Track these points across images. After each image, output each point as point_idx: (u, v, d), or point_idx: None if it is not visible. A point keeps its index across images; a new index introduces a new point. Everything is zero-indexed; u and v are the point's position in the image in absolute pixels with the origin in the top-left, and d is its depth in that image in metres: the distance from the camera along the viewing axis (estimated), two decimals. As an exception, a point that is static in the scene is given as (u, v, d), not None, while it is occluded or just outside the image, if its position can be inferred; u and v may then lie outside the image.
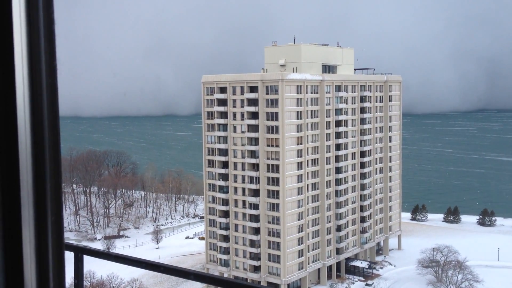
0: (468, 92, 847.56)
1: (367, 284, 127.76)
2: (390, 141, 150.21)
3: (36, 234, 2.48)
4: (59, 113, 2.57)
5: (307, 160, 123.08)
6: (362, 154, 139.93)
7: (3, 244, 2.42)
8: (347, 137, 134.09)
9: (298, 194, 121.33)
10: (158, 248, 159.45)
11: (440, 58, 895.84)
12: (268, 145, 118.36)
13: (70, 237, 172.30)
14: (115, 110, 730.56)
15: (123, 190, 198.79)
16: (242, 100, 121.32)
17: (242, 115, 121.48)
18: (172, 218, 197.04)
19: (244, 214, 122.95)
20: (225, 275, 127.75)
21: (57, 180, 2.56)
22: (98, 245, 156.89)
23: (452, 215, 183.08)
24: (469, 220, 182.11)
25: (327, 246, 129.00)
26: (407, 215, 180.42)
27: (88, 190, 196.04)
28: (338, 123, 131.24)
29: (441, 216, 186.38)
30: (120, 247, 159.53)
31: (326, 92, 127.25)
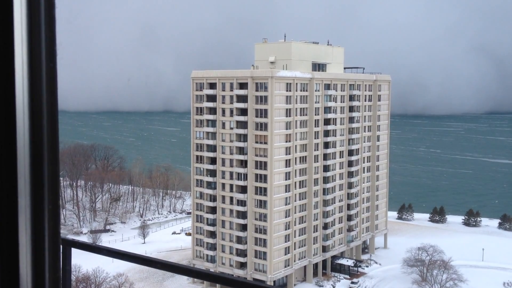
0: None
1: (352, 282, 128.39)
2: (378, 140, 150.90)
3: (32, 222, 2.46)
4: (57, 100, 2.53)
5: (295, 158, 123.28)
6: (350, 152, 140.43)
7: None
8: (335, 136, 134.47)
9: (286, 192, 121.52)
10: (144, 243, 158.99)
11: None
12: (256, 142, 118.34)
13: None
14: (108, 105, 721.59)
15: (110, 184, 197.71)
16: (231, 97, 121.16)
17: (231, 111, 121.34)
18: (159, 213, 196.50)
19: (231, 211, 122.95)
20: (211, 271, 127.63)
21: (55, 168, 2.55)
22: (84, 239, 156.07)
23: (438, 215, 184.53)
24: (455, 220, 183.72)
25: (314, 243, 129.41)
26: (393, 214, 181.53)
27: (74, 183, 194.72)
28: (326, 121, 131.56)
29: (427, 215, 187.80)
30: (106, 242, 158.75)
31: (316, 90, 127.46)
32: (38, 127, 2.43)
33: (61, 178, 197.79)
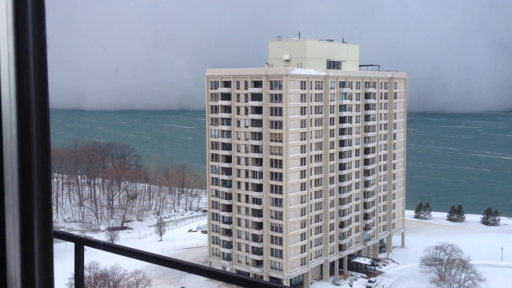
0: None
1: (369, 281, 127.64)
2: (395, 139, 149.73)
3: (21, 222, 2.33)
4: (48, 93, 2.39)
5: (311, 156, 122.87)
6: (366, 151, 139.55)
7: None
8: (351, 134, 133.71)
9: (301, 190, 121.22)
10: (161, 240, 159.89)
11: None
12: (271, 140, 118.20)
13: (74, 227, 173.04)
14: (124, 104, 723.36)
15: (127, 182, 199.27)
16: (246, 95, 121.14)
17: (246, 109, 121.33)
18: (175, 211, 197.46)
19: (247, 209, 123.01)
20: (228, 269, 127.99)
21: (45, 165, 2.39)
22: (102, 236, 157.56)
23: (456, 214, 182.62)
24: (473, 219, 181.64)
25: (330, 242, 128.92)
26: (410, 213, 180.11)
27: (92, 181, 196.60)
28: (342, 120, 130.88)
29: (445, 214, 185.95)
30: (124, 239, 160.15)
31: (331, 88, 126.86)
32: (25, 121, 2.30)
33: (79, 176, 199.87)
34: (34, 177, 2.33)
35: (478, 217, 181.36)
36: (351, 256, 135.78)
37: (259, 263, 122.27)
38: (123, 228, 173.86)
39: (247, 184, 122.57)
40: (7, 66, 2.24)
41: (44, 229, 2.41)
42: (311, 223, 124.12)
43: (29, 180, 2.32)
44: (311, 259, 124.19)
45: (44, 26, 2.34)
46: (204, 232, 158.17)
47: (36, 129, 2.33)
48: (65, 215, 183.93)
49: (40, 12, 2.31)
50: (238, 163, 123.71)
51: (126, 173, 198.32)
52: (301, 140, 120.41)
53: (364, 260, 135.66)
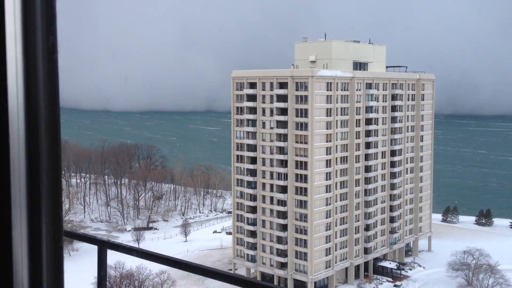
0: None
1: (395, 285, 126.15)
2: (422, 141, 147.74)
3: (29, 238, 2.24)
4: (59, 92, 2.32)
5: (336, 158, 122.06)
6: (393, 153, 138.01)
7: None
8: (377, 136, 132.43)
9: (326, 192, 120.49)
10: (186, 241, 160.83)
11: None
12: (297, 142, 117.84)
13: (100, 227, 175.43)
14: (151, 105, 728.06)
15: (153, 182, 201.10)
16: (271, 96, 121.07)
17: (271, 111, 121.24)
18: (200, 212, 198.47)
19: (271, 210, 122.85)
20: (252, 270, 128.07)
21: (55, 175, 2.31)
22: (128, 236, 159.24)
23: (484, 218, 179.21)
24: (502, 223, 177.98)
25: (355, 245, 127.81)
26: (438, 217, 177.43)
27: (119, 181, 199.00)
28: (368, 121, 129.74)
29: (473, 218, 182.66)
30: (149, 239, 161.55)
31: (357, 90, 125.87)
32: (35, 127, 2.24)
33: (106, 177, 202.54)
34: (42, 189, 2.25)
35: (507, 222, 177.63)
36: (376, 259, 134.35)
37: (283, 265, 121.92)
38: (148, 228, 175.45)
39: (272, 185, 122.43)
40: (14, 70, 2.18)
41: (53, 244, 2.32)
42: (336, 226, 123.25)
43: (37, 177, 2.23)
44: (336, 262, 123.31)
45: (55, 26, 2.26)
46: (229, 233, 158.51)
47: (46, 136, 2.26)
48: (92, 215, 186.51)
49: (50, 11, 2.24)
50: (263, 164, 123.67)
51: (152, 174, 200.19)
52: (327, 141, 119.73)
53: (389, 264, 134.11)
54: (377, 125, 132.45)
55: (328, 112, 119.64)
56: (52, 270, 2.37)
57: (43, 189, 2.26)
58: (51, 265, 2.36)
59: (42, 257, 2.32)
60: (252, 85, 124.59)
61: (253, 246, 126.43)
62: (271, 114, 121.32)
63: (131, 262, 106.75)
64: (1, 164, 2.18)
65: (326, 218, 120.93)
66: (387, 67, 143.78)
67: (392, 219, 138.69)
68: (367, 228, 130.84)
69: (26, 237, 2.25)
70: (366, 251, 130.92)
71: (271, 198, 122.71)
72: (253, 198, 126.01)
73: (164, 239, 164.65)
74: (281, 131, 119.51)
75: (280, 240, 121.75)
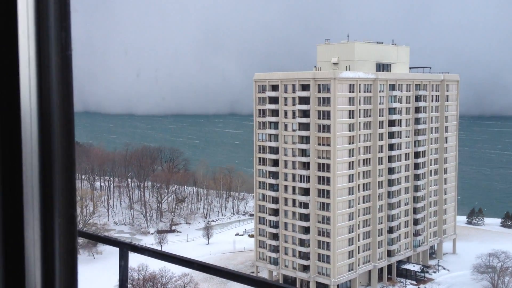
0: None
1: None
2: (446, 142, 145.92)
3: (42, 238, 2.23)
4: (73, 93, 2.29)
5: (359, 160, 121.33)
6: (416, 155, 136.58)
7: (3, 249, 2.19)
8: (400, 137, 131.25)
9: (349, 194, 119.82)
10: (208, 244, 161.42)
11: None
12: (319, 144, 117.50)
13: (124, 230, 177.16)
14: (175, 108, 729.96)
15: (176, 185, 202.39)
16: (293, 98, 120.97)
17: (294, 113, 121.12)
18: (222, 215, 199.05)
19: (294, 213, 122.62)
20: (274, 273, 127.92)
21: (69, 176, 2.28)
22: (151, 239, 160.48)
23: (510, 220, 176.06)
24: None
25: (378, 248, 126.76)
26: (462, 219, 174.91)
27: (142, 184, 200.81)
28: (391, 123, 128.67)
29: (498, 220, 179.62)
30: (172, 242, 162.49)
31: (380, 91, 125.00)
32: (48, 129, 2.22)
33: (129, 180, 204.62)
34: (55, 189, 2.24)
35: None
36: (400, 262, 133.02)
37: (306, 268, 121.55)
38: (171, 231, 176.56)
39: (294, 188, 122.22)
40: (27, 74, 2.17)
41: (67, 246, 2.31)
42: (359, 228, 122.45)
43: (50, 177, 2.22)
44: (358, 265, 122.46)
45: (68, 23, 2.24)
46: (251, 236, 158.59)
47: (60, 137, 2.24)
48: (115, 217, 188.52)
49: (63, 7, 2.23)
50: (285, 167, 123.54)
51: (175, 177, 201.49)
52: (349, 144, 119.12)
53: (413, 267, 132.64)
54: (401, 126, 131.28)
55: (351, 114, 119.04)
56: (65, 271, 2.35)
57: (56, 189, 2.24)
58: (64, 266, 2.35)
59: (55, 258, 2.30)
60: (274, 88, 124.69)
61: (276, 249, 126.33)
62: (293, 116, 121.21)
63: (154, 265, 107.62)
64: (14, 164, 2.16)
65: (349, 220, 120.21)
66: (410, 68, 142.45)
67: (416, 222, 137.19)
68: (390, 230, 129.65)
69: (39, 237, 2.24)
70: (390, 253, 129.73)
71: (293, 200, 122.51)
72: (275, 200, 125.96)
73: (187, 242, 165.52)
74: (303, 133, 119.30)
75: (302, 242, 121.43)
